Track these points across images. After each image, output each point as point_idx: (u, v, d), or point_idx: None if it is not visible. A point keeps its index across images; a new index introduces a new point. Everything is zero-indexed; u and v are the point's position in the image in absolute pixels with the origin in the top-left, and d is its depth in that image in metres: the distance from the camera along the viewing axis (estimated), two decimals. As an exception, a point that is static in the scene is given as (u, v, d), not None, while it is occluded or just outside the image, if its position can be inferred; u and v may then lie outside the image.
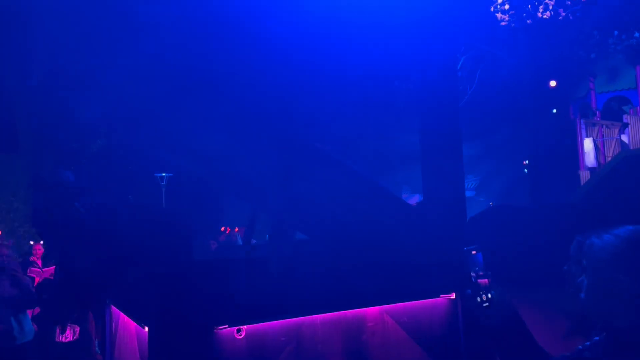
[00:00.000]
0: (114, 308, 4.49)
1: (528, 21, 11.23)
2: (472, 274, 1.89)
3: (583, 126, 16.93)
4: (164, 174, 18.91)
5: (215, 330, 3.29)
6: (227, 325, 3.32)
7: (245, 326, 3.39)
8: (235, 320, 3.35)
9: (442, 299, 4.15)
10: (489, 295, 1.87)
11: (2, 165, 18.58)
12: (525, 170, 22.80)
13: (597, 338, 1.52)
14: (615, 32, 11.33)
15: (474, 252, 1.92)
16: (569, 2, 11.27)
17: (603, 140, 16.73)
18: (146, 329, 3.29)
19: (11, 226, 17.00)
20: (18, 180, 18.47)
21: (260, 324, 3.46)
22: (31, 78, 19.11)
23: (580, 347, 1.55)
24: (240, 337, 3.38)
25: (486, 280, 1.90)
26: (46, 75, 18.31)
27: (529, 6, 11.62)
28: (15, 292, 5.67)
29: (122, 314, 4.18)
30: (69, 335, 5.73)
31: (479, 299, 1.83)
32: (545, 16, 11.26)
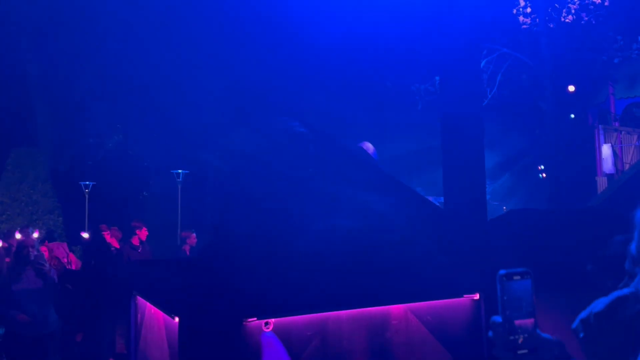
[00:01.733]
0: (139, 299, 4.56)
1: (550, 25, 11.18)
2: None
3: (601, 132, 16.82)
4: (180, 171, 19.00)
5: (244, 323, 3.34)
6: (255, 318, 3.37)
7: (272, 319, 3.44)
8: (264, 313, 3.40)
9: (466, 299, 4.17)
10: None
11: (22, 159, 18.82)
12: (541, 175, 22.67)
13: None
14: (639, 37, 11.26)
15: (516, 277, 1.27)
16: (592, 7, 11.21)
17: (621, 147, 16.60)
18: (177, 319, 3.35)
19: (30, 219, 17.23)
20: (37, 174, 18.69)
21: (287, 317, 3.51)
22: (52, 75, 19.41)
23: None
24: (268, 330, 3.42)
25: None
26: (66, 72, 18.54)
27: (550, 9, 11.59)
28: (40, 283, 5.78)
29: (149, 305, 4.24)
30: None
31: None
32: (567, 20, 11.20)
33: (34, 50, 18.99)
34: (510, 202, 21.26)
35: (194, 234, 9.34)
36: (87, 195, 20.13)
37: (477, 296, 4.14)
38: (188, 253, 8.99)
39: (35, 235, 8.12)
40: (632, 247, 1.41)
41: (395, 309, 3.92)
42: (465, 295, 4.13)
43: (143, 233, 8.76)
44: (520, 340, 1.22)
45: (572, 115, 18.10)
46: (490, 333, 1.27)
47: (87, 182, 20.29)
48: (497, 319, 1.24)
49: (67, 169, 20.99)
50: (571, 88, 14.18)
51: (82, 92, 20.12)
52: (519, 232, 5.68)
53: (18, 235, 8.01)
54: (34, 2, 16.16)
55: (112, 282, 5.65)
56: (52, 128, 20.32)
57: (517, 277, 1.25)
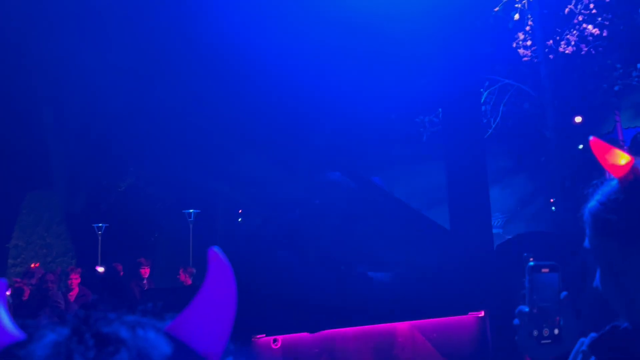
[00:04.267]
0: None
1: (550, 56, 11.43)
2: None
3: (610, 161, 16.78)
4: (191, 210, 19.19)
5: (253, 339, 3.43)
6: (264, 335, 3.46)
7: (281, 336, 3.52)
8: (273, 330, 3.49)
9: (471, 316, 4.23)
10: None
11: (37, 202, 19.14)
12: (553, 208, 22.55)
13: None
14: (639, 65, 11.45)
15: (544, 269, 1.30)
16: (591, 38, 11.47)
17: (631, 175, 16.52)
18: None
19: (44, 261, 17.41)
20: (51, 216, 18.96)
21: (295, 334, 3.59)
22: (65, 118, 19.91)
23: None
24: (277, 346, 3.51)
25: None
26: (80, 115, 19.00)
27: (551, 42, 11.86)
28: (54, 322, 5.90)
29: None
30: None
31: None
32: (567, 51, 11.46)
33: (49, 93, 19.56)
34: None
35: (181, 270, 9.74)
36: (100, 237, 20.33)
37: (482, 313, 4.19)
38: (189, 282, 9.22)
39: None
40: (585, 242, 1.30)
41: (401, 327, 3.97)
42: (470, 313, 4.19)
43: (146, 271, 9.02)
44: (545, 331, 1.24)
45: (581, 146, 18.15)
46: (515, 321, 1.31)
47: (100, 224, 20.53)
48: (524, 308, 1.29)
49: (81, 211, 21.28)
50: (578, 119, 14.32)
51: (95, 135, 20.58)
52: (524, 252, 5.69)
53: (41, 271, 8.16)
54: (48, 46, 16.76)
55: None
56: (67, 171, 20.71)
57: (545, 270, 1.29)
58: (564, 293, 1.35)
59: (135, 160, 22.16)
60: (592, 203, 1.34)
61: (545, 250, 5.79)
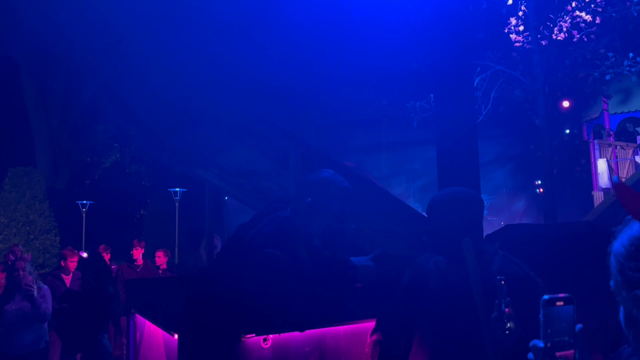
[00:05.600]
0: (138, 316, 4.57)
1: (543, 42, 11.36)
2: (502, 301, 2.15)
3: (597, 147, 16.98)
4: (177, 189, 19.05)
5: (242, 339, 3.37)
6: (254, 334, 3.39)
7: (271, 335, 3.46)
8: (262, 329, 3.43)
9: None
10: (510, 325, 2.12)
11: (19, 178, 18.81)
12: (538, 190, 22.82)
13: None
14: (631, 54, 11.44)
15: (502, 282, 2.14)
16: (583, 25, 11.41)
17: (617, 161, 16.74)
18: (176, 336, 3.38)
19: (27, 238, 17.19)
20: (34, 193, 18.66)
21: (285, 333, 3.53)
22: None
23: None
24: (267, 346, 3.45)
25: (507, 309, 2.12)
26: (64, 90, 18.63)
27: (542, 28, 11.79)
28: (26, 305, 5.84)
29: (147, 322, 4.26)
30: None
31: (507, 326, 2.08)
32: (559, 38, 11.40)
33: (32, 70, 19.12)
34: (507, 218, 21.34)
35: (161, 252, 9.46)
36: (84, 215, 20.17)
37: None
38: (165, 266, 9.07)
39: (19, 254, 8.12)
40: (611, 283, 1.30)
41: (393, 324, 3.93)
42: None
43: (138, 252, 8.86)
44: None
45: (567, 131, 18.29)
46: (530, 355, 1.31)
47: (85, 201, 20.36)
48: (539, 343, 1.29)
49: (65, 188, 21.02)
50: (566, 103, 14.36)
51: (79, 111, 20.23)
52: (513, 245, 5.70)
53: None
54: (31, 21, 16.34)
55: (112, 301, 5.67)
56: (50, 147, 20.38)
57: (559, 303, 1.30)
58: (578, 326, 1.32)
59: (119, 136, 21.88)
60: (617, 245, 1.28)
61: (531, 243, 5.77)
